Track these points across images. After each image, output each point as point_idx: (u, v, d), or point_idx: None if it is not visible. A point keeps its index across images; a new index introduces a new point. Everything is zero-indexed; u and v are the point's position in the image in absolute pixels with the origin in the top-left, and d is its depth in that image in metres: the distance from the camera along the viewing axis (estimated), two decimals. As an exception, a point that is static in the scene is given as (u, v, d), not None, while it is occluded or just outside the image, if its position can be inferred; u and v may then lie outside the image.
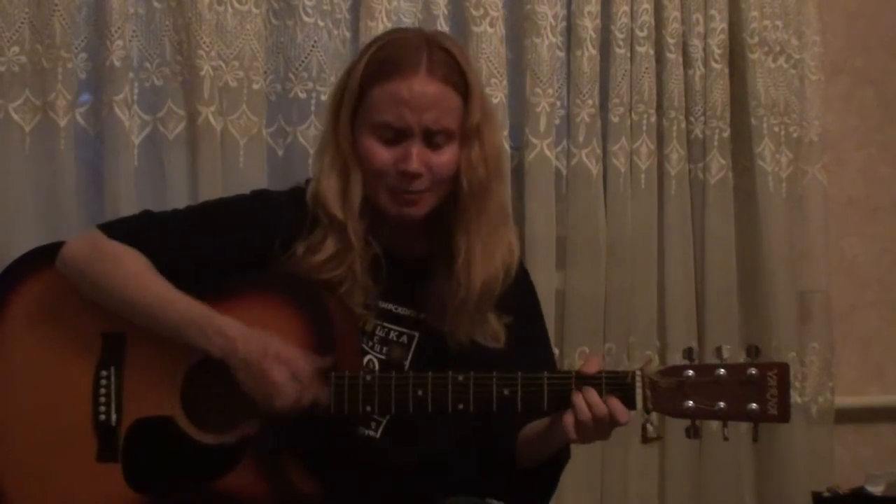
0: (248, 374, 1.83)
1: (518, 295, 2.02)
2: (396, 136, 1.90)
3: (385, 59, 1.91)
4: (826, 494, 2.94)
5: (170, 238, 1.96)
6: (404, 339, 1.98)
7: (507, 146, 2.74)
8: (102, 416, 1.93)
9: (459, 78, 1.92)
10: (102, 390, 1.94)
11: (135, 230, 1.97)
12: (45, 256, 2.00)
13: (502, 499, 2.07)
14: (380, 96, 1.90)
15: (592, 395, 1.82)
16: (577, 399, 1.82)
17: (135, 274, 1.91)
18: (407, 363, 1.98)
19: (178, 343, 1.88)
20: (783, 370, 1.82)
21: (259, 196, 2.05)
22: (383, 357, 1.97)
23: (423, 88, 1.89)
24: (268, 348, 1.82)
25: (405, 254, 1.98)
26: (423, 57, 1.90)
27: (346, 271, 1.91)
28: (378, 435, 1.96)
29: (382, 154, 1.91)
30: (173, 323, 1.87)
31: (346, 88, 1.94)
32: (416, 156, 1.89)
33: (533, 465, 1.98)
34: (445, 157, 1.91)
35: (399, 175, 1.90)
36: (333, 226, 1.92)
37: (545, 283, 2.71)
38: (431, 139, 1.90)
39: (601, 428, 1.83)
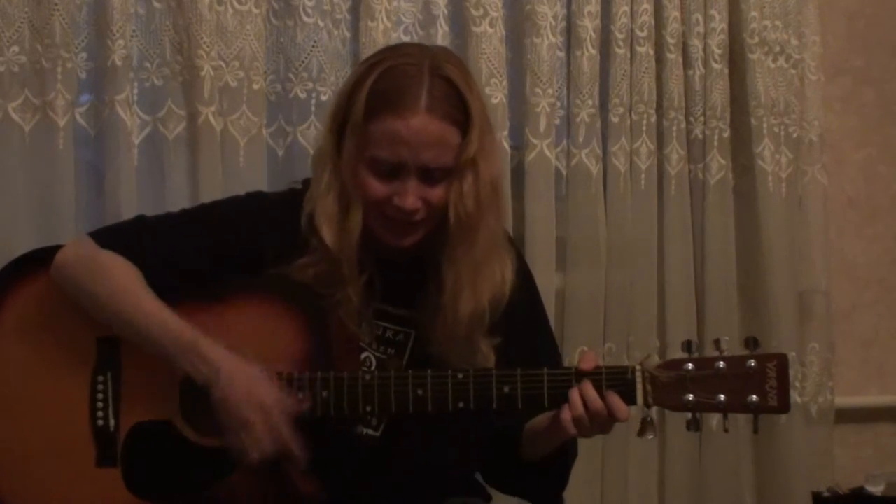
0: (226, 414, 1.81)
1: (519, 303, 1.99)
2: (392, 170, 1.87)
3: (385, 91, 1.86)
4: (826, 494, 2.94)
5: (161, 244, 1.95)
6: (401, 336, 1.98)
7: (506, 146, 2.75)
8: (100, 422, 1.92)
9: (460, 111, 1.87)
10: (100, 395, 1.93)
11: (126, 237, 1.96)
12: (37, 261, 1.99)
13: (512, 493, 2.08)
14: (377, 131, 1.86)
15: (589, 389, 1.83)
16: (573, 394, 1.83)
17: (124, 288, 1.90)
18: (404, 361, 1.97)
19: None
20: (782, 361, 1.83)
21: (252, 198, 2.04)
22: (381, 356, 1.96)
23: (421, 127, 1.84)
24: (251, 392, 1.80)
25: (397, 260, 1.96)
26: (423, 91, 1.85)
27: (340, 293, 1.90)
28: (379, 433, 1.95)
29: (378, 188, 1.88)
30: (160, 343, 1.86)
31: (350, 120, 1.89)
32: (412, 192, 1.87)
33: (537, 459, 1.97)
34: (441, 189, 1.89)
35: (394, 208, 1.88)
36: (328, 258, 1.89)
37: (545, 283, 2.70)
38: (428, 175, 1.87)
39: (599, 423, 1.83)
